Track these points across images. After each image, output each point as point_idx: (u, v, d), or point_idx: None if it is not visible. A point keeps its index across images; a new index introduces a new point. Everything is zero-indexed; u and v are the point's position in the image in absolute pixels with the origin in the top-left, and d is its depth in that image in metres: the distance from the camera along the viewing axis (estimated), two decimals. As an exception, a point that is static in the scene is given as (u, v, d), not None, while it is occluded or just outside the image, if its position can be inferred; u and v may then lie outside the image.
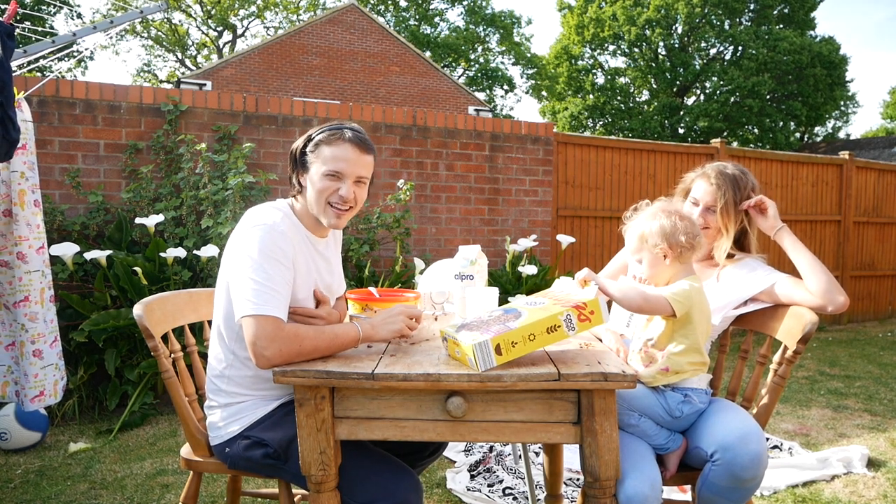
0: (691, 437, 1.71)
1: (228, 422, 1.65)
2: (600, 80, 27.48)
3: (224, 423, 1.66)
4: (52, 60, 2.99)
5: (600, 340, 1.84)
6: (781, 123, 25.06)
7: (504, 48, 29.82)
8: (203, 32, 29.35)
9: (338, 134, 1.65)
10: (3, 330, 2.72)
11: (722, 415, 1.68)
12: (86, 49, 3.06)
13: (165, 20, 27.51)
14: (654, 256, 1.69)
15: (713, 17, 24.52)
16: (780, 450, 3.28)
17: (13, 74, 2.21)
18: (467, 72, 29.53)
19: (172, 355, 1.87)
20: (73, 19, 22.47)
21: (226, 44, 29.34)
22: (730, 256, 2.03)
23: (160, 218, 3.80)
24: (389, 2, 29.38)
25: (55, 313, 2.78)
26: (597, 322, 1.48)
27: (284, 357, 1.44)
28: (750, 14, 24.90)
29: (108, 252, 3.64)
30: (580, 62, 27.45)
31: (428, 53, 26.90)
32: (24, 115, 2.62)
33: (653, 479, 1.52)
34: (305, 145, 1.68)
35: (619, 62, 27.83)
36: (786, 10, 24.78)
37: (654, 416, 1.69)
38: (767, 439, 3.39)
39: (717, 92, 24.34)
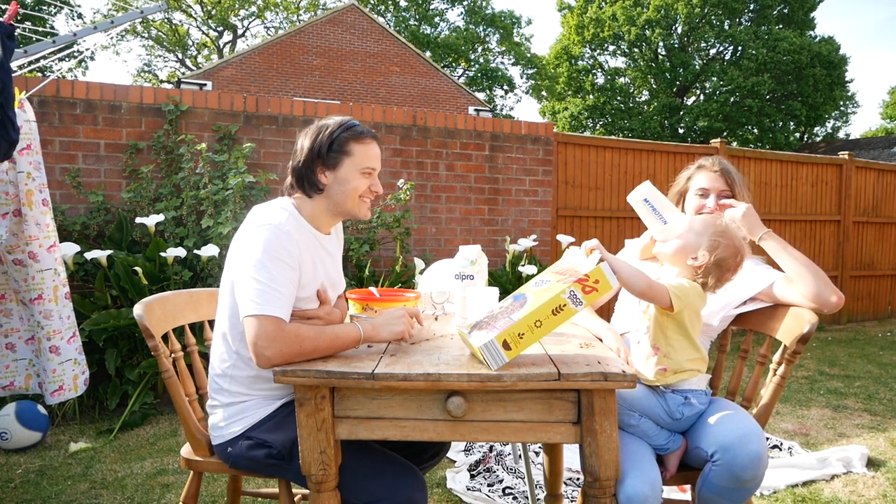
0: (691, 437, 1.71)
1: (230, 422, 1.66)
2: (600, 80, 27.48)
3: (226, 423, 1.66)
4: (52, 61, 3.00)
5: (601, 340, 1.84)
6: (781, 123, 25.07)
7: (504, 48, 29.81)
8: (203, 32, 29.36)
9: (361, 130, 1.71)
10: (22, 325, 2.75)
11: (722, 415, 1.68)
12: (86, 49, 3.06)
13: (166, 20, 27.51)
14: (687, 249, 1.68)
15: (713, 17, 24.53)
16: (780, 449, 3.28)
17: (14, 75, 2.22)
18: (467, 72, 29.52)
19: (173, 355, 1.88)
20: (73, 19, 22.48)
21: (226, 44, 29.36)
22: None
23: (160, 218, 3.80)
24: (389, 2, 29.37)
25: (72, 309, 2.79)
26: (605, 289, 1.42)
27: (285, 357, 1.44)
28: (750, 14, 24.90)
29: (109, 252, 3.65)
30: (580, 62, 27.46)
31: (428, 53, 26.89)
32: (27, 115, 2.62)
33: (653, 479, 1.52)
34: (331, 144, 1.66)
35: (619, 62, 27.86)
36: (785, 11, 24.79)
37: (654, 417, 1.69)
38: (767, 439, 3.39)
39: (717, 92, 24.34)
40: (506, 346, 1.36)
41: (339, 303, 1.88)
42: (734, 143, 24.36)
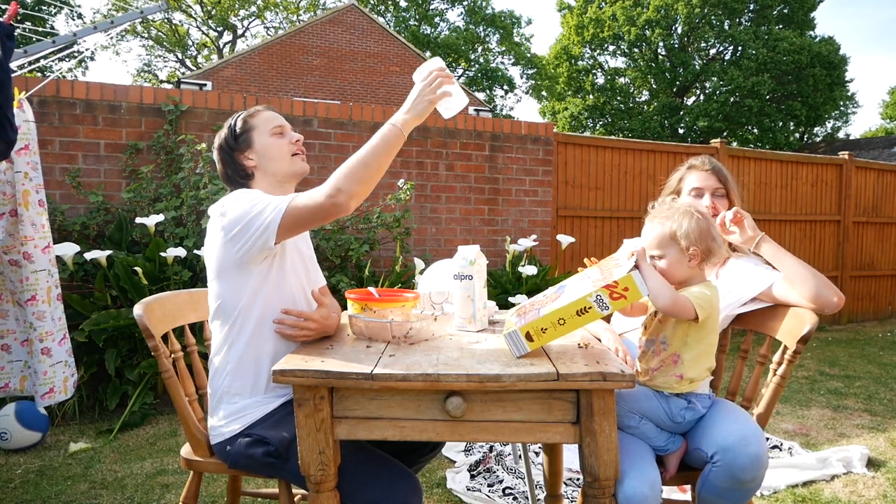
0: (691, 438, 1.71)
1: (230, 420, 1.66)
2: (600, 80, 27.47)
3: (225, 422, 1.66)
4: (52, 61, 3.00)
5: (600, 340, 1.84)
6: (781, 123, 25.04)
7: (504, 48, 29.81)
8: (203, 33, 29.35)
9: (250, 109, 1.84)
10: (18, 326, 2.75)
11: (722, 416, 1.68)
12: (86, 49, 3.06)
13: (166, 20, 27.51)
14: (681, 256, 1.65)
15: (713, 17, 24.51)
16: (780, 450, 3.28)
17: (13, 75, 2.22)
18: (467, 72, 29.51)
19: (172, 355, 1.88)
20: (73, 19, 22.48)
21: (226, 44, 29.35)
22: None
23: (160, 218, 3.80)
24: (389, 2, 29.37)
25: (63, 311, 2.79)
26: (633, 298, 1.45)
27: (353, 187, 1.51)
28: (750, 14, 24.88)
29: (109, 252, 3.65)
30: (580, 62, 27.44)
31: (428, 54, 26.87)
32: (25, 115, 2.62)
33: (652, 479, 1.52)
34: (235, 132, 1.79)
35: (619, 62, 27.84)
36: (785, 11, 24.76)
37: (655, 419, 1.68)
38: (767, 439, 3.39)
39: (717, 92, 24.32)
40: (528, 337, 1.45)
41: (331, 302, 1.88)
42: (734, 143, 24.35)
